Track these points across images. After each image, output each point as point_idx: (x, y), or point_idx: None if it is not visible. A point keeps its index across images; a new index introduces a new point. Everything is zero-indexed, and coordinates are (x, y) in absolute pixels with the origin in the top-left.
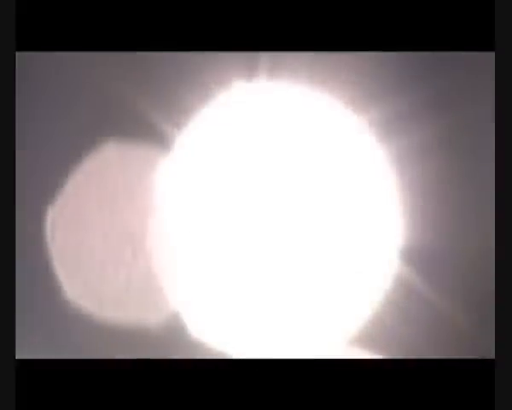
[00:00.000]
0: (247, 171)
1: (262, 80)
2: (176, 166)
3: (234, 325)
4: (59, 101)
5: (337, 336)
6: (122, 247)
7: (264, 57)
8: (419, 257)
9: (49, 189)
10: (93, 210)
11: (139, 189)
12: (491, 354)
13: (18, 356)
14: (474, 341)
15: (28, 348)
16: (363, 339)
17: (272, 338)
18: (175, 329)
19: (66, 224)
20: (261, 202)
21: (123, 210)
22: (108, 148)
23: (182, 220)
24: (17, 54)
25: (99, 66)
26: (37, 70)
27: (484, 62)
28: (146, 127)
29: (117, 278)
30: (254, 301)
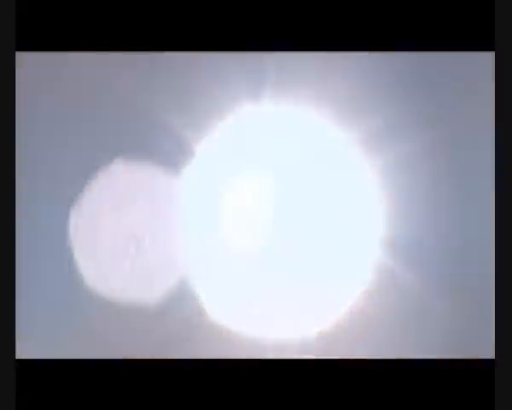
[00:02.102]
0: (251, 174)
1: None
2: (177, 173)
3: (230, 308)
4: (59, 101)
5: (332, 333)
6: (128, 244)
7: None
8: (415, 255)
9: (51, 187)
10: (105, 214)
11: (143, 195)
12: (491, 354)
13: (18, 356)
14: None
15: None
16: (358, 337)
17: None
18: (171, 308)
19: (84, 226)
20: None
21: (128, 215)
22: (114, 162)
23: (185, 220)
24: (17, 54)
25: (99, 66)
26: (37, 70)
27: (484, 62)
28: (149, 128)
29: (123, 267)
30: (250, 290)
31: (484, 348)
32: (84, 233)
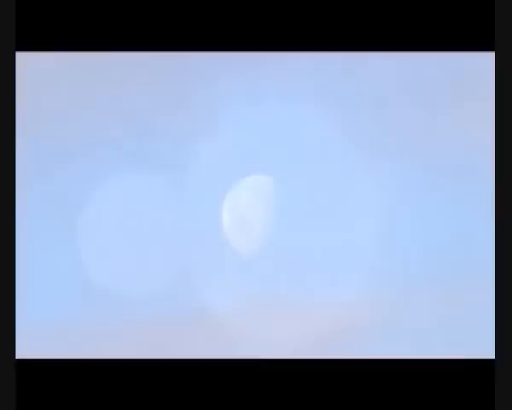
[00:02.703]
0: (251, 175)
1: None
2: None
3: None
4: (59, 101)
5: (332, 332)
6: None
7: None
8: (415, 255)
9: (51, 186)
10: (106, 214)
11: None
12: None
13: (18, 356)
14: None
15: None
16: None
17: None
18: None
19: (86, 226)
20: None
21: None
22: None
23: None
24: (17, 54)
25: (100, 66)
26: (37, 70)
27: (484, 62)
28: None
29: (125, 267)
30: (249, 289)
31: (484, 348)
32: (86, 233)
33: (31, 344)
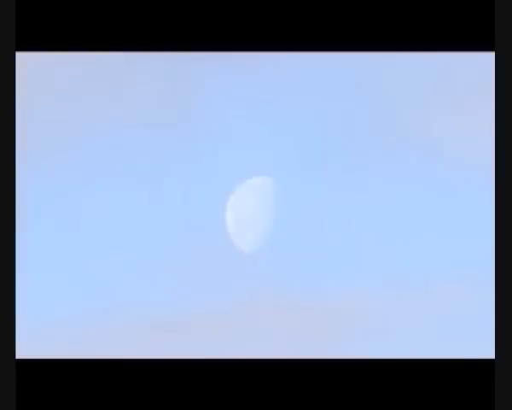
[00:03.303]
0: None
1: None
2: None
3: None
4: (59, 100)
5: (332, 332)
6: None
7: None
8: (414, 255)
9: (50, 185)
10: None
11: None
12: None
13: (18, 356)
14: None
15: None
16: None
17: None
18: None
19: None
20: None
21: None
22: None
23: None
24: (17, 54)
25: (99, 66)
26: (37, 70)
27: (484, 62)
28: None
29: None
30: (249, 290)
31: (484, 348)
32: (87, 234)
33: (31, 344)
